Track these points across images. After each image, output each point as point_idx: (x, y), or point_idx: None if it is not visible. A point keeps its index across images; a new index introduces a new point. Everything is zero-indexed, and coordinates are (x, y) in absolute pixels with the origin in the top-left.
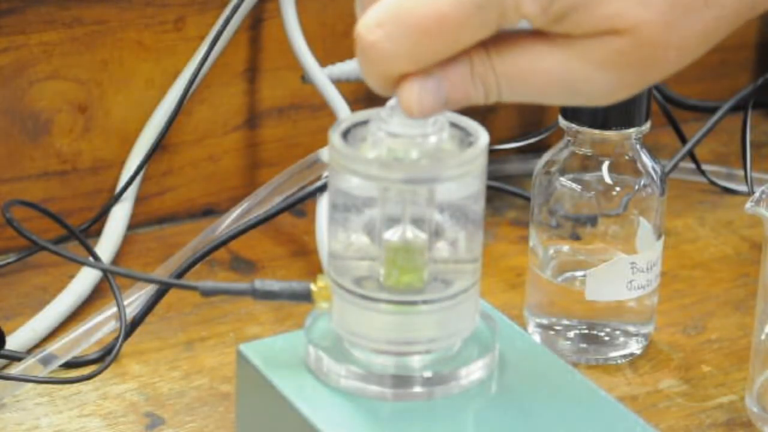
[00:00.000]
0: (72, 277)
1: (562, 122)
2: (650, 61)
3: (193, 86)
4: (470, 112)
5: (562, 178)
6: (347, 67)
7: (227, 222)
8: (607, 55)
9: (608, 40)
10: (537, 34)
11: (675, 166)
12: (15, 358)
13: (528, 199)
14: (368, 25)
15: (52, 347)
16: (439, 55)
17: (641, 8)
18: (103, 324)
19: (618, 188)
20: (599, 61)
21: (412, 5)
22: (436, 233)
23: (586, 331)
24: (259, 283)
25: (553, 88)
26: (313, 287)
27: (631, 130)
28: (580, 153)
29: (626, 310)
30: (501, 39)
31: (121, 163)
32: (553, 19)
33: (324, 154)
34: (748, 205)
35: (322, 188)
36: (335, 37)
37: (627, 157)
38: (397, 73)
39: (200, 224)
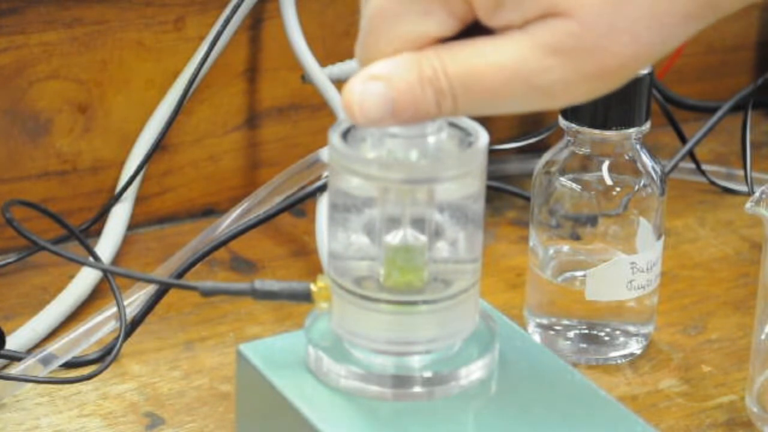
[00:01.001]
0: (72, 277)
1: (562, 122)
2: (601, 44)
3: (193, 86)
4: None
5: (562, 178)
6: (347, 67)
7: (227, 222)
8: (555, 38)
9: (553, 22)
10: (487, 35)
11: (675, 166)
12: (15, 358)
13: (528, 199)
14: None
15: (52, 347)
16: (391, 50)
17: None
18: (103, 324)
19: (618, 188)
20: (549, 46)
21: (366, 7)
22: (436, 233)
23: (586, 331)
24: (259, 283)
25: (510, 85)
26: (313, 287)
27: (631, 130)
28: (580, 153)
29: (626, 310)
30: (452, 42)
31: (121, 163)
32: (494, 3)
33: (324, 154)
34: (748, 205)
35: (322, 188)
36: (335, 37)
37: (627, 157)
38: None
39: (200, 224)
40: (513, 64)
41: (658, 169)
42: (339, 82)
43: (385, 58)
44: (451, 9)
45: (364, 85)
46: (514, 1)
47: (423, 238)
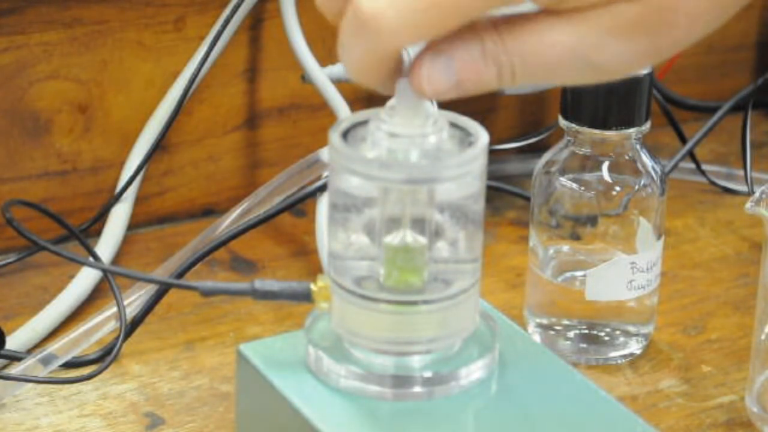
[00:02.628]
0: (72, 277)
1: (562, 122)
2: (661, 27)
3: (193, 86)
4: (470, 112)
5: (562, 178)
6: None
7: (227, 222)
8: (618, 21)
9: (617, 6)
10: (548, 12)
11: (675, 166)
12: (15, 358)
13: (528, 199)
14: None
15: (52, 347)
16: (444, 24)
17: None
18: (103, 324)
19: (618, 188)
20: (610, 28)
21: None
22: (436, 233)
23: (586, 331)
24: (259, 283)
25: (568, 62)
26: (313, 287)
27: (631, 130)
28: (580, 153)
29: (626, 310)
30: (512, 19)
31: (121, 163)
32: None
33: (324, 154)
34: (748, 205)
35: (322, 188)
36: (335, 37)
37: (627, 157)
38: (399, 47)
39: (200, 224)
40: (572, 44)
41: (658, 169)
42: (339, 82)
43: (435, 33)
44: None
45: (432, 59)
46: None
47: (423, 239)
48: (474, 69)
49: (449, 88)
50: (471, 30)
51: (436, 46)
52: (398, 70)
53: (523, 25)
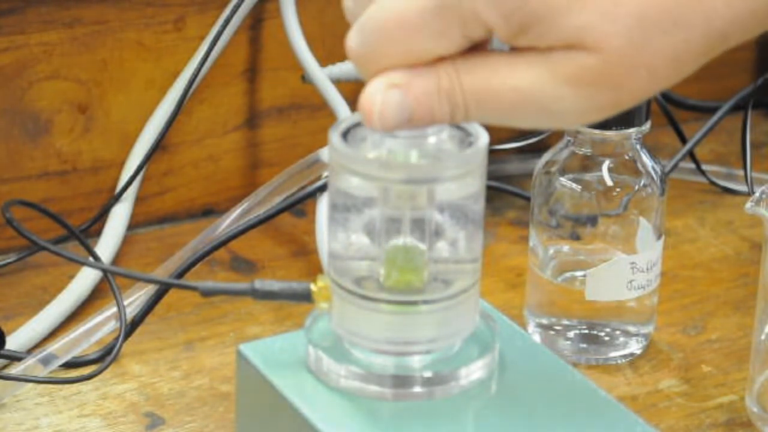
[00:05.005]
0: (72, 277)
1: None
2: (620, 81)
3: (193, 86)
4: None
5: (562, 178)
6: (347, 67)
7: (227, 222)
8: (576, 71)
9: (576, 55)
10: (507, 52)
11: (675, 166)
12: (15, 358)
13: (528, 199)
14: (350, 34)
15: (52, 347)
16: (400, 58)
17: (608, 23)
18: (103, 324)
19: (618, 188)
20: (568, 77)
21: (379, 10)
22: (436, 233)
23: (586, 331)
24: (259, 283)
25: (523, 107)
26: (313, 287)
27: (631, 130)
28: (580, 153)
29: (626, 310)
30: (470, 55)
31: (121, 163)
32: (518, 30)
33: (324, 154)
34: (748, 205)
35: (322, 188)
36: (335, 37)
37: (627, 157)
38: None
39: (200, 224)
40: (527, 88)
41: (658, 169)
42: (339, 82)
43: (396, 66)
44: (468, 32)
45: (384, 93)
46: (540, 31)
47: (423, 239)
48: (427, 105)
49: (400, 122)
50: (429, 63)
51: (390, 75)
52: None
53: (483, 65)
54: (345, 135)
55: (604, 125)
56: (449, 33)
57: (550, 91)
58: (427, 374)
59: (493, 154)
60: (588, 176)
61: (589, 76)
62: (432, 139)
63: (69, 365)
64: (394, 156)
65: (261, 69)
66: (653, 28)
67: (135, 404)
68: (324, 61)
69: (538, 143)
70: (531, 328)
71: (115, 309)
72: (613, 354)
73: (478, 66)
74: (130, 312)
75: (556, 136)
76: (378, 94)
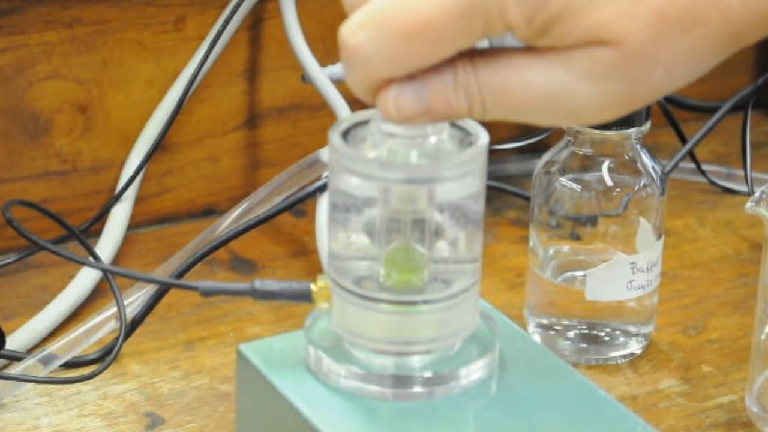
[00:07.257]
0: (72, 277)
1: None
2: (637, 76)
3: (193, 86)
4: None
5: (562, 178)
6: None
7: (227, 222)
8: (593, 66)
9: (594, 50)
10: (524, 49)
11: (675, 166)
12: (15, 358)
13: (528, 199)
14: (352, 28)
15: (52, 347)
16: (421, 62)
17: (628, 19)
18: (103, 324)
19: (618, 188)
20: (585, 72)
21: (397, 9)
22: (436, 233)
23: (586, 331)
24: (259, 283)
25: (539, 103)
26: (313, 287)
27: (631, 130)
28: (580, 153)
29: (626, 310)
30: (488, 52)
31: (121, 163)
32: (539, 30)
33: (324, 154)
34: (748, 205)
35: (322, 188)
36: (335, 37)
37: (627, 157)
38: (379, 78)
39: (200, 224)
40: (544, 85)
41: (658, 169)
42: (339, 82)
43: (408, 71)
44: (490, 30)
45: (401, 85)
46: (560, 32)
47: (423, 239)
48: (444, 98)
49: (418, 114)
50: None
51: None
52: None
53: (499, 61)
54: (345, 135)
55: (604, 125)
56: (472, 34)
57: (565, 87)
58: (427, 374)
59: (493, 154)
60: (588, 176)
61: (606, 70)
62: (432, 139)
63: (69, 365)
64: (394, 156)
65: (261, 69)
66: (672, 25)
67: (135, 404)
68: (324, 61)
69: (538, 143)
70: (531, 328)
71: (115, 309)
72: (613, 354)
73: (494, 61)
74: (130, 312)
75: (556, 136)
76: (395, 87)
